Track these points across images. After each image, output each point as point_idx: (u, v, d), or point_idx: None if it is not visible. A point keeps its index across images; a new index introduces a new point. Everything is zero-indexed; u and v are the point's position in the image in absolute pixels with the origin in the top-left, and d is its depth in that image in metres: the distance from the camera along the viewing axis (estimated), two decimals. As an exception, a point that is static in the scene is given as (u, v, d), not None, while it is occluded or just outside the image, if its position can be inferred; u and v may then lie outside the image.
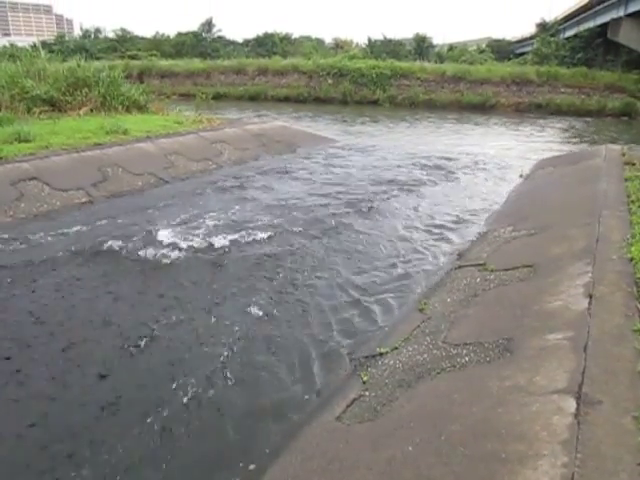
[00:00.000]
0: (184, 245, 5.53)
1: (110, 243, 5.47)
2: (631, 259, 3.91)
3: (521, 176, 9.77)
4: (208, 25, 51.14)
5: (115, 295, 4.48)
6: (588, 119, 23.67)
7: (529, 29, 50.06)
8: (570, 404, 2.27)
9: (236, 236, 5.89)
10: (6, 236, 5.75)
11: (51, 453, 2.67)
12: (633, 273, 3.66)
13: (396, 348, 3.53)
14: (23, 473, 2.56)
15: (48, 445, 2.72)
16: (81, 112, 11.84)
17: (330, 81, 30.11)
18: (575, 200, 6.47)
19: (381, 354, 3.50)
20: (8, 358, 3.47)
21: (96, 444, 2.73)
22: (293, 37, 54.55)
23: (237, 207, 7.26)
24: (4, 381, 3.22)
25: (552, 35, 38.61)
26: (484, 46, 52.43)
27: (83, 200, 7.33)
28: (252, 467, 2.64)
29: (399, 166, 11.03)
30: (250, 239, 5.86)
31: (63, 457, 2.65)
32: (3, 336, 3.73)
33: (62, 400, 3.09)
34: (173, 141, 10.27)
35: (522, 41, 52.88)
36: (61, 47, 48.17)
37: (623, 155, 9.02)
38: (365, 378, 3.21)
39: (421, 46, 43.55)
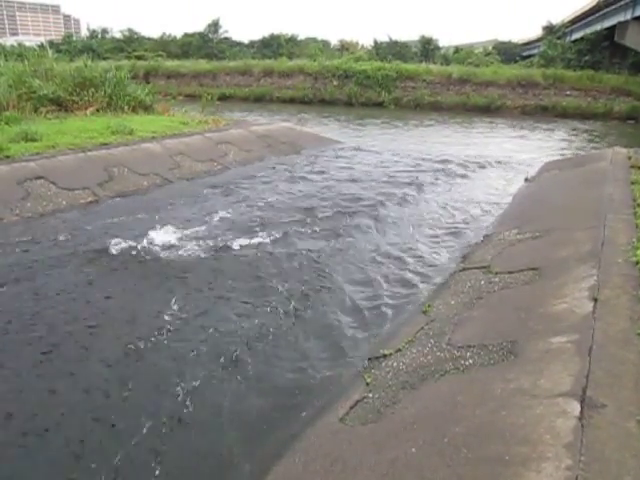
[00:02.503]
0: (189, 245, 5.54)
1: (115, 242, 5.49)
2: (636, 262, 3.89)
3: (527, 179, 9.73)
4: (214, 26, 51.29)
5: (118, 295, 4.50)
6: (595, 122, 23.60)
7: (536, 31, 49.96)
8: (574, 407, 2.26)
9: (241, 236, 5.90)
10: (12, 235, 5.79)
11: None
12: (638, 277, 3.65)
13: (400, 350, 3.52)
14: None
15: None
16: (88, 112, 11.90)
17: (335, 83, 30.13)
18: (581, 203, 6.45)
19: (385, 356, 3.49)
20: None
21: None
22: (299, 38, 54.64)
23: (242, 208, 7.28)
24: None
25: (559, 38, 38.50)
26: (490, 48, 52.27)
27: (89, 199, 7.36)
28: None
29: (402, 168, 11.02)
30: (255, 239, 5.87)
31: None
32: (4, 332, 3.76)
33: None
34: (178, 142, 10.30)
35: (528, 43, 52.77)
36: (68, 47, 48.55)
37: (629, 158, 8.98)
38: (368, 380, 3.21)
39: (427, 48, 43.52)
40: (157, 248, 5.41)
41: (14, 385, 3.21)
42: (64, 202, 7.05)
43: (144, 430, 2.83)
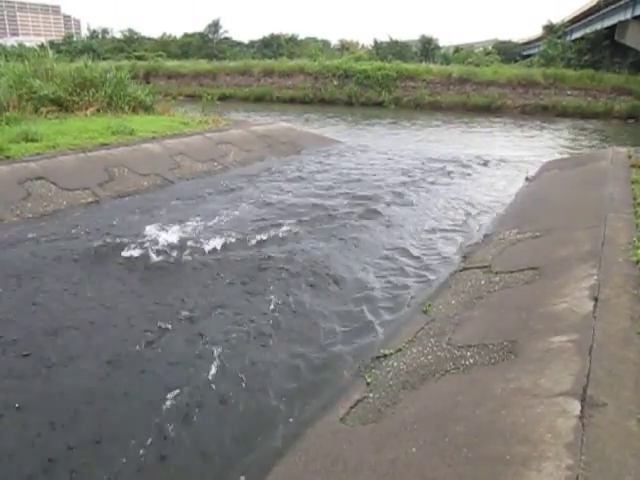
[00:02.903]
0: (190, 246, 5.54)
1: (115, 243, 5.49)
2: (637, 262, 3.89)
3: (527, 178, 9.74)
4: (215, 26, 51.34)
5: (117, 295, 4.50)
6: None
7: (536, 31, 49.94)
8: (575, 406, 2.26)
9: (241, 236, 5.90)
10: (12, 235, 5.79)
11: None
12: (639, 276, 3.65)
13: (400, 350, 3.52)
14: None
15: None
16: (88, 112, 11.91)
17: (336, 82, 30.14)
18: (581, 202, 6.45)
19: (385, 356, 3.50)
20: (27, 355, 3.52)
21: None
22: (299, 38, 54.66)
23: (243, 207, 7.28)
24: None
25: (559, 37, 38.52)
26: (490, 48, 52.26)
27: (89, 200, 7.36)
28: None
29: (403, 168, 11.02)
30: (254, 239, 5.86)
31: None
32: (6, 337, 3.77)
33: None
34: (179, 142, 10.31)
35: (529, 43, 52.77)
36: (69, 47, 48.62)
37: (629, 157, 8.97)
38: (369, 379, 3.21)
39: (427, 48, 43.53)
40: (160, 248, 5.40)
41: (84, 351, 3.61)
42: (65, 202, 7.05)
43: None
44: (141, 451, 2.71)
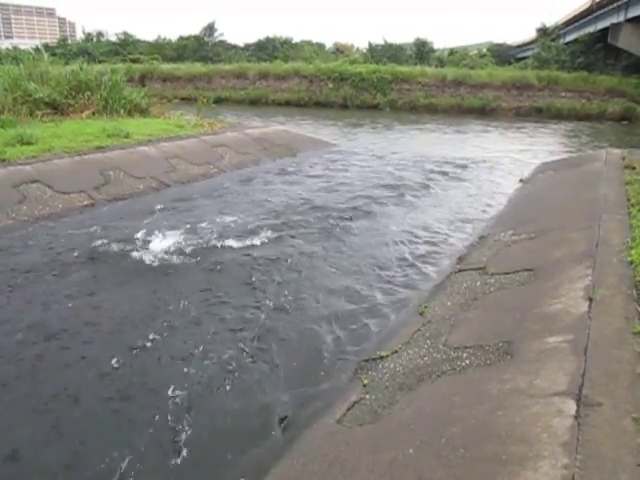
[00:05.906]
0: (185, 249, 5.54)
1: (111, 247, 5.49)
2: (631, 262, 3.92)
3: (521, 180, 9.78)
4: (210, 29, 51.37)
5: (114, 299, 4.49)
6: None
7: (530, 34, 50.18)
8: (570, 406, 2.28)
9: (238, 240, 5.91)
10: (7, 239, 5.78)
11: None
12: (633, 276, 3.67)
13: (396, 351, 3.53)
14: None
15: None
16: (83, 115, 11.89)
17: (331, 85, 30.21)
18: (575, 204, 6.48)
19: (381, 357, 3.50)
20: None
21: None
22: (294, 41, 54.70)
23: (238, 211, 7.28)
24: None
25: (553, 40, 38.77)
26: (485, 50, 52.50)
27: (85, 203, 7.35)
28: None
29: (400, 169, 11.05)
30: (250, 243, 5.87)
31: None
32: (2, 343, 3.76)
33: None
34: (174, 145, 10.30)
35: (523, 46, 53.00)
36: (64, 50, 48.50)
37: (623, 159, 9.03)
38: (365, 381, 3.22)
39: (422, 50, 43.68)
40: (153, 252, 5.40)
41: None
42: (60, 206, 7.03)
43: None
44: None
